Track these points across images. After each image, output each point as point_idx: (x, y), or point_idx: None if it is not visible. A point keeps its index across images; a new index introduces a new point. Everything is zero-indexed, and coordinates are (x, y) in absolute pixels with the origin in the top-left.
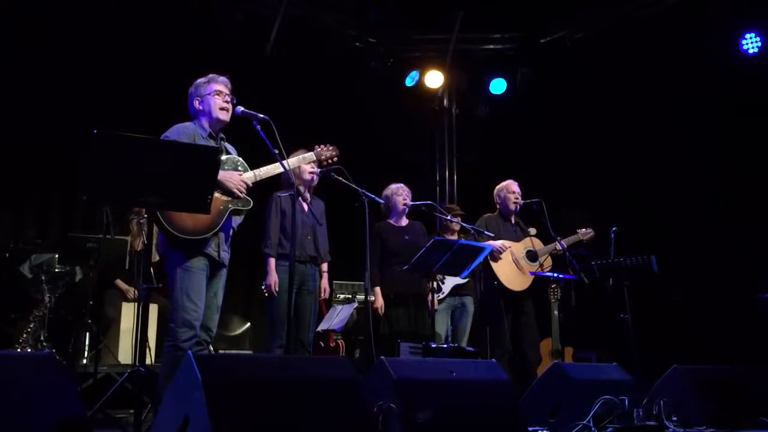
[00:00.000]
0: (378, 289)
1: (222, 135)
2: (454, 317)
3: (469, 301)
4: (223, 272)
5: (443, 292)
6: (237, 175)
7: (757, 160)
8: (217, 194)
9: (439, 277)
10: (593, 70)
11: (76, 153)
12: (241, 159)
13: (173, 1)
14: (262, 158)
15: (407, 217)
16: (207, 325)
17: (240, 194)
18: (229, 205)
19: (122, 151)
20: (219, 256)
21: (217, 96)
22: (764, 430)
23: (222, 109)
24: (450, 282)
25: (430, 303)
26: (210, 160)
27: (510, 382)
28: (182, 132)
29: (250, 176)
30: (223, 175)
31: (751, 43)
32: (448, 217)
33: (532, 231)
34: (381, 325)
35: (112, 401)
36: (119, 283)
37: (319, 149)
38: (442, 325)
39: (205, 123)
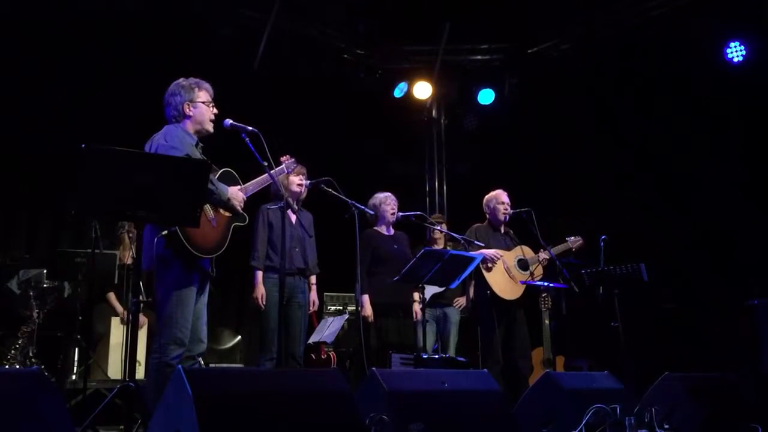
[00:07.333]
0: (366, 297)
1: (201, 144)
2: (438, 328)
3: (451, 311)
4: (208, 284)
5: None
6: (239, 191)
7: (744, 168)
8: (221, 211)
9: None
10: (580, 80)
11: (67, 167)
12: (232, 171)
13: (160, 16)
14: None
15: (392, 227)
16: (198, 336)
17: (240, 210)
18: (232, 222)
19: (111, 165)
20: (213, 270)
21: (209, 106)
22: None
23: (211, 120)
24: (428, 291)
25: (416, 314)
26: (200, 174)
27: (502, 392)
28: (182, 140)
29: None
30: (230, 191)
31: (735, 51)
32: (438, 228)
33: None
34: (370, 336)
35: (101, 417)
36: (113, 300)
37: (286, 161)
38: (428, 335)
39: (192, 129)
